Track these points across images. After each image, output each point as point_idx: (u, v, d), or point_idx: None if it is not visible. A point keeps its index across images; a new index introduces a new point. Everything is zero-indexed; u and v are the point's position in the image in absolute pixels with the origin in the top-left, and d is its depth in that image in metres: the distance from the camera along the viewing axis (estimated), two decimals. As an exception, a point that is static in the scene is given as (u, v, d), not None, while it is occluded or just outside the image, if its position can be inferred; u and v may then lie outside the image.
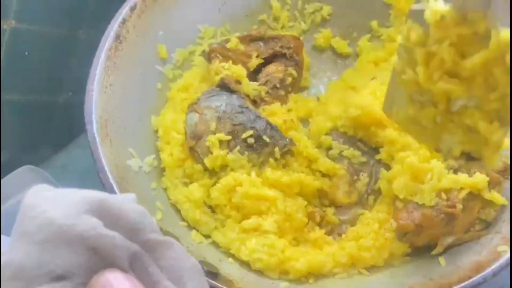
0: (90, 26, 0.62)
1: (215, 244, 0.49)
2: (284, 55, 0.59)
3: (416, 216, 0.43)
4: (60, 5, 0.60)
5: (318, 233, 0.49)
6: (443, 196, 0.42)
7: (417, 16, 0.35)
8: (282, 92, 0.58)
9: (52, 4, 0.59)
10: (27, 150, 0.64)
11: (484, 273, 0.40)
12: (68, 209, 0.28)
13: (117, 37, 0.53)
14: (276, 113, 0.55)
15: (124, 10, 0.54)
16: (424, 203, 0.43)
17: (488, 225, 0.45)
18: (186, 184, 0.52)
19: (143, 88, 0.57)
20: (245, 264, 0.47)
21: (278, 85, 0.58)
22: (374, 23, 0.63)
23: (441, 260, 0.45)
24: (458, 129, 0.36)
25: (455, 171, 0.44)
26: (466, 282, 0.39)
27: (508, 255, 0.40)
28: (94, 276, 0.27)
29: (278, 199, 0.48)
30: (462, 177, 0.43)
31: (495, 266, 0.40)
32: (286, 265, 0.46)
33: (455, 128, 0.36)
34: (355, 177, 0.52)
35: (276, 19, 0.64)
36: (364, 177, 0.52)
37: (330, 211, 0.51)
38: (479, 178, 0.43)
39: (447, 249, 0.46)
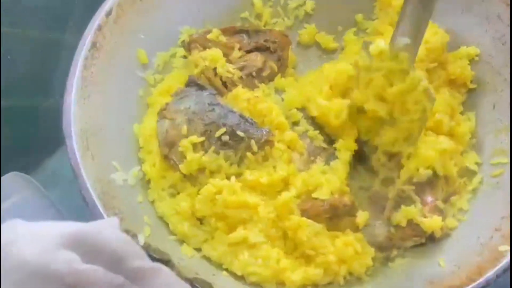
0: (75, 29, 0.60)
1: (207, 257, 0.47)
2: (267, 49, 0.57)
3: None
4: (44, 8, 0.58)
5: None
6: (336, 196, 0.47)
7: (367, 46, 0.48)
8: (256, 83, 0.55)
9: (36, 7, 0.57)
10: (15, 156, 0.62)
11: (487, 275, 0.39)
12: (43, 246, 0.26)
13: (93, 45, 0.51)
14: (239, 96, 0.52)
15: (100, 16, 0.52)
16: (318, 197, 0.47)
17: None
18: (173, 195, 0.50)
19: (124, 96, 0.54)
20: (240, 277, 0.46)
21: (254, 74, 0.55)
22: (359, 17, 0.61)
23: (441, 261, 0.44)
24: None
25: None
26: (469, 287, 0.38)
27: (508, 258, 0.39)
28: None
29: (259, 205, 0.46)
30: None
31: (498, 268, 0.39)
32: (281, 276, 0.45)
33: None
34: (312, 158, 0.50)
35: (258, 16, 0.62)
36: (319, 161, 0.50)
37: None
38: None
39: (446, 249, 0.45)
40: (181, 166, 0.48)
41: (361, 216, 0.47)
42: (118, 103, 0.53)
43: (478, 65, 0.53)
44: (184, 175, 0.49)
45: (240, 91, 0.52)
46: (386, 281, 0.45)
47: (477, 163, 0.50)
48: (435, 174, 0.48)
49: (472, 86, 0.53)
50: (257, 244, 0.45)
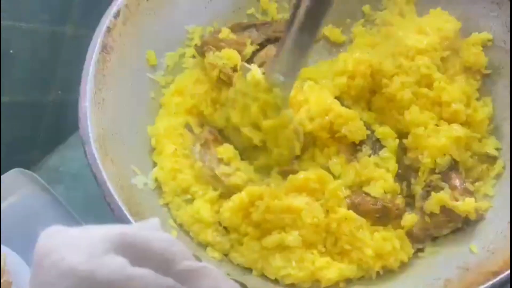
0: (77, 20, 0.59)
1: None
2: (278, 38, 0.57)
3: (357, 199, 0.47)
4: (45, 1, 0.56)
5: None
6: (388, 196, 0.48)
7: (245, 72, 0.48)
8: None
9: (36, 0, 0.55)
10: (17, 153, 0.61)
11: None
12: (88, 252, 0.25)
13: (104, 47, 0.50)
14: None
15: (108, 19, 0.51)
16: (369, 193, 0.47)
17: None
18: (189, 202, 0.49)
19: (136, 98, 0.53)
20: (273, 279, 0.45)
21: None
22: (366, 8, 0.61)
23: (473, 247, 0.44)
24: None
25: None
26: (508, 272, 0.37)
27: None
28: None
29: (303, 209, 0.45)
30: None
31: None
32: (317, 274, 0.44)
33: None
34: (358, 147, 0.50)
35: (264, 12, 0.61)
36: (366, 149, 0.50)
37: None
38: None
39: (476, 235, 0.45)
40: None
41: (407, 220, 0.47)
42: (131, 106, 0.52)
43: (491, 50, 0.53)
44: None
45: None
46: (419, 272, 0.45)
47: (497, 149, 0.50)
48: (455, 161, 0.48)
49: (486, 71, 0.53)
50: (291, 247, 0.44)
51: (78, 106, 0.46)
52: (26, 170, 0.58)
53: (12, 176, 0.58)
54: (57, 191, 0.58)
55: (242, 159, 0.50)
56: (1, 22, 0.51)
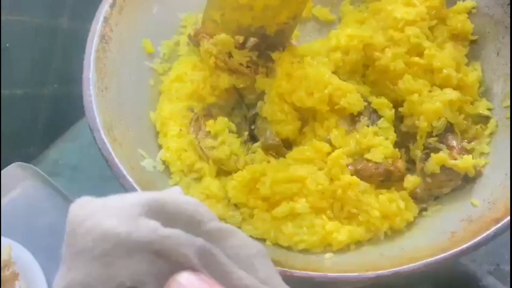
0: (71, 13, 0.60)
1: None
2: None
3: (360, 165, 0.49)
4: None
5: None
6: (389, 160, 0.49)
7: None
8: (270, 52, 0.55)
9: None
10: (17, 147, 0.62)
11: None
12: (122, 216, 0.26)
13: (102, 37, 0.51)
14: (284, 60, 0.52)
15: (104, 9, 0.52)
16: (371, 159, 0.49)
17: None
18: (197, 180, 0.50)
19: (137, 86, 0.54)
20: (287, 246, 0.46)
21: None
22: (353, -15, 0.62)
23: (474, 201, 0.46)
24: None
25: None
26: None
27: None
28: (165, 283, 0.26)
29: (307, 178, 0.46)
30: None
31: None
32: (328, 238, 0.46)
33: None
34: (357, 118, 0.51)
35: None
36: (364, 120, 0.51)
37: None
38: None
39: (476, 190, 0.47)
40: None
41: (409, 181, 0.48)
42: (133, 93, 0.53)
43: (476, 17, 0.55)
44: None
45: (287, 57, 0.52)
46: (425, 229, 0.47)
47: (489, 109, 0.52)
48: (450, 123, 0.50)
49: (473, 37, 0.55)
50: (301, 214, 0.46)
51: (80, 95, 0.47)
52: (26, 164, 0.59)
53: (13, 170, 0.58)
54: (58, 184, 0.58)
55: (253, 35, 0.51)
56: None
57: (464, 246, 0.39)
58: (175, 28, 0.59)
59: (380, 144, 0.49)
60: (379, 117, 0.52)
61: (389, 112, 0.52)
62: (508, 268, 0.54)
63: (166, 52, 0.58)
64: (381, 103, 0.52)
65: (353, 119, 0.52)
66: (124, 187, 0.42)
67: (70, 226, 0.27)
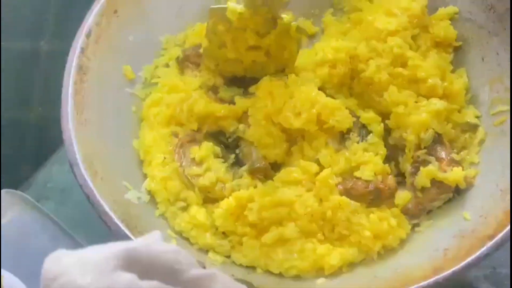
0: (52, 35, 0.59)
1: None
2: None
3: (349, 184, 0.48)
4: (20, 17, 0.56)
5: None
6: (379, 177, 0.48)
7: (218, 13, 0.49)
8: None
9: (11, 16, 0.55)
10: (4, 172, 0.61)
11: (516, 219, 0.40)
12: (97, 272, 0.25)
13: (80, 68, 0.50)
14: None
15: (80, 39, 0.51)
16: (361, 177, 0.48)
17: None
18: (184, 209, 0.49)
19: (118, 114, 0.53)
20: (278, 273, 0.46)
21: None
22: (334, -4, 0.61)
23: (466, 214, 0.45)
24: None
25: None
26: (505, 231, 0.39)
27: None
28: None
29: (295, 201, 0.45)
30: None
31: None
32: (320, 262, 0.45)
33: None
34: (346, 135, 0.50)
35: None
36: (354, 137, 0.50)
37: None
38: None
39: (467, 202, 0.46)
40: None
41: (400, 198, 0.48)
42: (114, 122, 0.52)
43: (459, 22, 0.54)
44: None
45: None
46: (418, 246, 0.46)
47: (477, 117, 0.51)
48: (438, 134, 0.50)
49: (457, 44, 0.54)
50: (291, 239, 0.45)
51: (60, 125, 0.46)
52: (14, 191, 0.58)
53: (1, 197, 0.58)
54: (47, 208, 0.57)
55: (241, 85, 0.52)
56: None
57: (456, 267, 0.38)
58: (155, 52, 0.58)
59: (370, 161, 0.48)
60: (369, 132, 0.51)
61: (378, 127, 0.51)
62: (505, 271, 0.53)
63: (147, 77, 0.57)
64: (370, 117, 0.51)
65: (342, 136, 0.51)
66: (106, 224, 0.41)
67: (44, 282, 0.26)
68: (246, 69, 0.53)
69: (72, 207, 0.61)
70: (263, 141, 0.49)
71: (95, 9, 0.52)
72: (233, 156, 0.51)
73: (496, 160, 0.47)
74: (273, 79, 0.51)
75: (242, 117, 0.51)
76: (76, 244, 0.52)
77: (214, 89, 0.54)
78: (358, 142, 0.49)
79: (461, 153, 0.50)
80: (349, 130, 0.50)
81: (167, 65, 0.58)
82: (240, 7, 0.48)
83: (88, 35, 0.51)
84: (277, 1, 0.48)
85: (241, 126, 0.50)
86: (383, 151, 0.50)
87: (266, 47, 0.51)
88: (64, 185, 0.64)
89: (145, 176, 0.51)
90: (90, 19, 0.52)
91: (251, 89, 0.52)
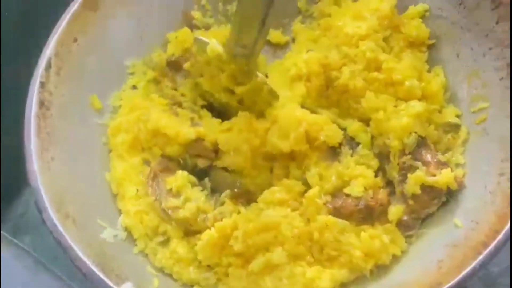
0: (10, 60, 0.56)
1: (226, 290, 0.45)
2: None
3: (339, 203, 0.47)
4: None
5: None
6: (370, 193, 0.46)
7: (201, 44, 0.49)
8: None
9: None
10: None
11: (508, 223, 0.38)
12: None
13: (41, 104, 0.47)
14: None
15: (39, 73, 0.48)
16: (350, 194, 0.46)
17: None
18: (163, 244, 0.47)
19: (87, 147, 0.51)
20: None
21: None
22: (301, 3, 0.60)
23: (457, 221, 0.43)
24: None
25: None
26: (499, 238, 0.37)
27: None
28: None
29: (281, 223, 0.43)
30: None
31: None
32: (310, 287, 0.42)
33: None
34: (338, 150, 0.49)
35: (203, 26, 0.60)
36: (346, 150, 0.49)
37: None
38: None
39: (456, 209, 0.44)
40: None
41: (393, 214, 0.46)
42: (84, 156, 0.50)
43: (430, 20, 0.53)
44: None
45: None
46: (411, 260, 0.44)
47: (458, 116, 0.50)
48: (422, 137, 0.48)
49: (431, 42, 0.53)
50: (279, 265, 0.43)
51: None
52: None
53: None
54: (24, 241, 0.55)
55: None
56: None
57: (452, 283, 0.36)
58: (122, 78, 0.56)
59: (360, 175, 0.46)
60: (357, 143, 0.49)
61: (365, 137, 0.49)
62: (497, 269, 0.52)
63: (115, 105, 0.55)
64: (356, 128, 0.50)
65: (334, 151, 0.49)
66: (81, 271, 0.39)
67: None
68: (221, 104, 0.52)
69: (50, 239, 0.58)
70: (248, 172, 0.48)
71: (53, 38, 0.50)
72: (209, 183, 0.49)
73: (483, 160, 0.46)
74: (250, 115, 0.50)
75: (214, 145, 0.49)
76: (55, 278, 0.50)
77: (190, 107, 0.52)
78: (351, 155, 0.48)
79: (446, 154, 0.48)
80: (339, 144, 0.49)
81: (134, 87, 0.56)
82: (221, 49, 0.47)
83: (47, 68, 0.49)
84: (253, 58, 0.46)
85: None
86: (374, 162, 0.48)
87: (240, 94, 0.50)
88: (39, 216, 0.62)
89: (120, 211, 0.49)
90: (48, 50, 0.49)
91: (226, 123, 0.50)
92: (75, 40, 0.52)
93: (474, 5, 0.49)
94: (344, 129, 0.50)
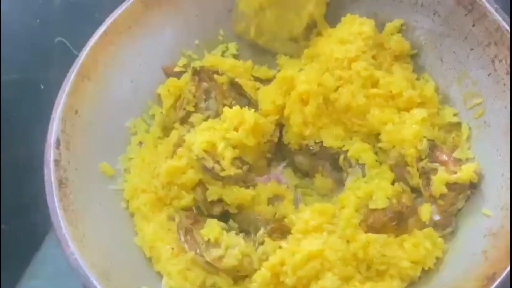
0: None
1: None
2: None
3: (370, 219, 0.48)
4: None
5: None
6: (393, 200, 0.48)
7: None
8: None
9: None
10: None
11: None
12: None
13: (60, 183, 0.47)
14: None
15: (51, 152, 0.47)
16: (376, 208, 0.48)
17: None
18: None
19: (112, 216, 0.51)
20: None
21: None
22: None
23: (485, 211, 0.46)
24: None
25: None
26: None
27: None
28: None
29: (324, 249, 0.44)
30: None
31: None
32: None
33: None
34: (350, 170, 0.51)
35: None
36: (356, 170, 0.51)
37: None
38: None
39: (481, 200, 0.47)
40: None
41: (424, 212, 0.48)
42: (110, 227, 0.49)
43: (408, 32, 0.57)
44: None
45: None
46: (453, 257, 0.46)
47: (455, 114, 0.53)
48: (432, 140, 0.51)
49: (413, 52, 0.56)
50: None
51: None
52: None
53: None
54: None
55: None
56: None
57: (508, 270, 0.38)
58: (126, 140, 0.56)
59: (377, 188, 0.48)
60: (363, 164, 0.51)
61: (369, 156, 0.51)
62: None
63: (126, 167, 0.54)
64: (357, 149, 0.52)
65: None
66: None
67: None
68: None
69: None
70: None
71: (56, 115, 0.49)
72: (236, 225, 0.50)
73: (491, 151, 0.49)
74: None
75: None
76: None
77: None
78: (363, 176, 0.50)
79: (455, 152, 0.51)
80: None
81: (140, 144, 0.56)
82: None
83: (57, 145, 0.48)
84: None
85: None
86: (387, 174, 0.50)
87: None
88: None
89: (158, 274, 0.48)
90: (54, 127, 0.49)
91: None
92: (76, 112, 0.51)
93: (447, 13, 0.53)
94: (346, 152, 0.52)
